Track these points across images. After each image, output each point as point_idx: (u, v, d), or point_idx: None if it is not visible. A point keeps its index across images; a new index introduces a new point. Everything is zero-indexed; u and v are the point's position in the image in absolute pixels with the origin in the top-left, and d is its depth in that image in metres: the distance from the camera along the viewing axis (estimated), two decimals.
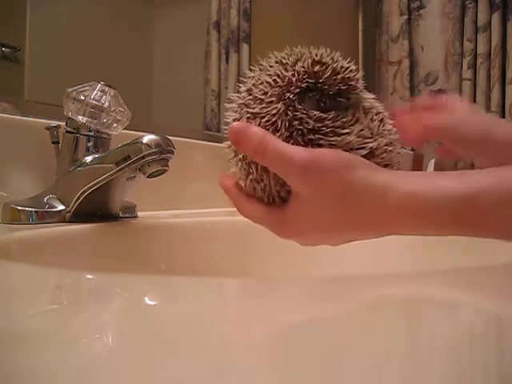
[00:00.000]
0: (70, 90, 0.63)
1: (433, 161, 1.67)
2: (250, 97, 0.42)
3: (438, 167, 1.68)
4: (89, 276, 0.39)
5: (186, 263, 0.66)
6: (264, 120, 0.40)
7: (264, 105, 0.41)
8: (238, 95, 0.43)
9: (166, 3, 1.09)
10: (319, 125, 0.40)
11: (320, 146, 0.39)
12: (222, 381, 0.19)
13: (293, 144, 0.39)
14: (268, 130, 0.40)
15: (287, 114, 0.40)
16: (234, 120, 0.42)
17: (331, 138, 0.39)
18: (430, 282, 0.35)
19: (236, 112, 0.43)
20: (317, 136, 0.39)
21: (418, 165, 1.73)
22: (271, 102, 0.40)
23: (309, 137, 0.39)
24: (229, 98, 0.44)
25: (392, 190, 0.36)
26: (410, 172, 0.39)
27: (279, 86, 0.41)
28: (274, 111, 0.40)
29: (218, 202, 0.91)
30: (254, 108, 0.41)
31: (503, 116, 1.72)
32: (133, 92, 0.92)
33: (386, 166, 0.41)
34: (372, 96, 0.45)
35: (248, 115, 0.41)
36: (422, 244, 0.68)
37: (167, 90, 1.05)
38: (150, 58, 1.03)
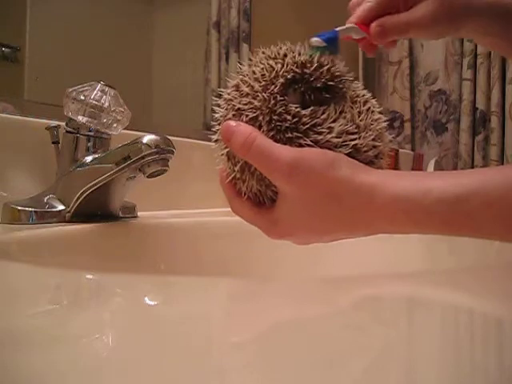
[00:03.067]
0: (70, 90, 0.63)
1: (433, 161, 1.67)
2: (237, 92, 0.41)
3: (438, 167, 1.68)
4: (89, 276, 0.39)
5: (186, 263, 0.66)
6: (248, 115, 0.40)
7: (249, 99, 0.40)
8: (226, 91, 0.43)
9: (166, 3, 1.09)
10: (296, 120, 0.39)
11: (300, 144, 0.39)
12: (222, 380, 0.19)
13: (272, 138, 0.39)
14: (252, 124, 0.40)
15: (268, 107, 0.39)
16: (222, 116, 0.43)
17: (311, 137, 0.39)
18: (421, 282, 0.36)
19: (223, 108, 0.43)
20: (295, 134, 0.39)
21: (418, 165, 1.73)
22: (256, 96, 0.40)
23: (287, 135, 0.39)
24: (218, 95, 0.44)
25: (379, 191, 0.36)
26: (398, 172, 0.39)
27: (265, 81, 0.40)
28: (258, 105, 0.40)
29: (218, 202, 0.91)
30: (239, 103, 0.41)
31: (503, 116, 1.72)
32: (133, 92, 0.92)
33: (371, 161, 0.41)
34: (360, 85, 0.44)
35: (233, 112, 0.41)
36: (416, 244, 0.68)
37: (167, 90, 1.05)
38: (150, 57, 1.03)
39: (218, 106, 0.43)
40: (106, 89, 0.64)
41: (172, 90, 1.05)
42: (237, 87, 0.42)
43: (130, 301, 0.31)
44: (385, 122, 0.43)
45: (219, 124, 0.43)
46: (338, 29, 0.44)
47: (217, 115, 0.43)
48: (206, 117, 1.13)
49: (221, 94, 0.43)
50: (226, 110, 0.42)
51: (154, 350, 0.21)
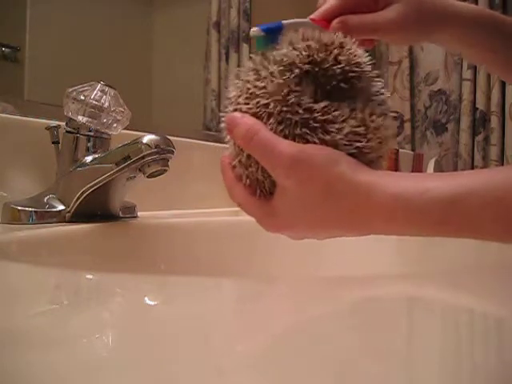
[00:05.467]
0: (70, 89, 0.63)
1: (433, 161, 1.67)
2: (255, 76, 0.41)
3: (438, 167, 1.68)
4: (89, 276, 0.39)
5: (186, 263, 0.66)
6: (260, 101, 0.39)
7: (265, 83, 0.40)
8: (246, 71, 0.42)
9: (165, 3, 1.09)
10: (307, 116, 0.38)
11: (307, 141, 0.38)
12: (222, 379, 0.19)
13: (281, 132, 0.39)
14: (262, 113, 0.39)
15: (281, 95, 0.39)
16: (235, 96, 0.42)
17: (319, 135, 0.38)
18: (421, 282, 0.36)
19: (238, 89, 0.42)
20: (303, 130, 0.38)
21: (418, 165, 1.73)
22: (272, 80, 0.39)
23: (296, 131, 0.38)
24: (236, 74, 0.42)
25: (377, 190, 0.36)
26: (395, 173, 0.39)
27: (283, 65, 0.40)
28: (271, 90, 0.39)
29: (218, 202, 0.91)
30: (254, 87, 0.40)
31: (503, 116, 1.72)
32: (133, 92, 0.92)
33: (372, 161, 0.40)
34: (380, 83, 0.43)
35: (247, 95, 0.40)
36: (416, 245, 0.68)
37: (167, 90, 1.05)
38: (149, 58, 1.03)
39: (234, 84, 0.42)
40: (106, 89, 0.64)
41: (172, 90, 1.05)
42: (256, 71, 0.41)
43: (129, 301, 0.31)
44: (396, 126, 0.42)
45: (231, 105, 0.42)
46: (284, 21, 0.43)
47: (230, 95, 0.42)
48: (206, 117, 1.13)
49: (238, 74, 0.42)
50: (241, 91, 0.41)
51: (153, 349, 0.21)
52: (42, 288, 0.34)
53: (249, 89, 0.40)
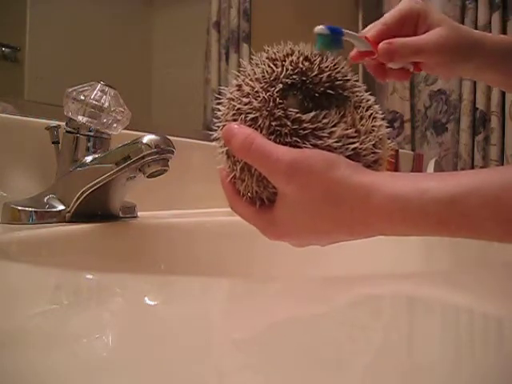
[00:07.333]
0: (70, 89, 0.63)
1: (433, 161, 1.67)
2: (239, 92, 0.41)
3: (438, 167, 1.68)
4: (89, 276, 0.39)
5: (186, 263, 0.66)
6: (248, 116, 0.40)
7: (249, 99, 0.40)
8: (229, 89, 0.43)
9: (165, 3, 1.09)
10: (296, 127, 0.39)
11: (300, 148, 0.39)
12: (222, 379, 0.19)
13: (273, 142, 0.39)
14: (251, 127, 0.40)
15: (267, 110, 0.39)
16: (222, 115, 0.43)
17: (311, 141, 0.39)
18: (420, 281, 0.35)
19: (225, 107, 0.43)
20: (294, 139, 0.39)
21: (418, 165, 1.73)
22: (256, 97, 0.40)
23: (287, 139, 0.39)
24: (219, 93, 0.44)
25: (376, 192, 0.36)
26: (394, 173, 0.39)
27: (266, 82, 0.40)
28: (257, 106, 0.40)
29: (218, 202, 0.91)
30: (240, 103, 0.41)
31: (503, 116, 1.72)
32: (133, 92, 0.92)
33: (370, 165, 0.40)
34: (363, 88, 0.44)
35: (234, 112, 0.41)
36: (415, 244, 0.68)
37: (167, 90, 1.05)
38: (149, 57, 1.03)
39: (220, 103, 0.43)
40: (106, 89, 0.64)
41: (172, 89, 1.05)
42: (239, 87, 0.42)
43: (130, 301, 0.31)
44: (387, 128, 0.43)
45: (220, 122, 0.43)
46: (343, 30, 0.45)
47: (218, 113, 0.43)
48: (206, 117, 1.13)
49: (223, 93, 0.43)
50: (228, 109, 0.42)
51: (153, 349, 0.21)
52: (42, 288, 0.34)
53: (234, 106, 0.41)
